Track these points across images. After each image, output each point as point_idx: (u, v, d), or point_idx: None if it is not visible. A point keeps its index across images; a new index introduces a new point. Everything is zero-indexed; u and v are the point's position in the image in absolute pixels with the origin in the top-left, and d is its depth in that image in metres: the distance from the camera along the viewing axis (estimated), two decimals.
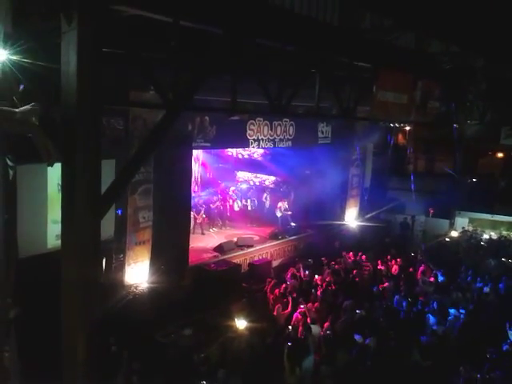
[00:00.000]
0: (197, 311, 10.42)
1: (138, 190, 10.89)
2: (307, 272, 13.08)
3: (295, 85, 9.33)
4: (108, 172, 6.90)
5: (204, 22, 6.77)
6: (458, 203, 20.29)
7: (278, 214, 17.12)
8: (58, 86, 5.06)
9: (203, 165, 18.88)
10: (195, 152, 15.79)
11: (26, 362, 6.81)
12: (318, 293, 11.37)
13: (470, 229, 19.74)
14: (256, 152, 18.21)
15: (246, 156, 19.24)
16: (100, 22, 5.03)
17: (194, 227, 15.52)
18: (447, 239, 18.36)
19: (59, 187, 6.50)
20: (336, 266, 13.67)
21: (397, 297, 11.13)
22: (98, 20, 5.00)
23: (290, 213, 17.15)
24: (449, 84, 14.30)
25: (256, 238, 15.57)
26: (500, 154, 22.46)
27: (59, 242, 5.58)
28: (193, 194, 15.05)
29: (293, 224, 16.84)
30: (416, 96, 12.63)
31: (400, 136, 18.20)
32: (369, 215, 18.45)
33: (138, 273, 11.13)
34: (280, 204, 17.24)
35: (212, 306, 10.65)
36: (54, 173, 5.04)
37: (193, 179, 15.20)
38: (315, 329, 9.45)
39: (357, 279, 12.70)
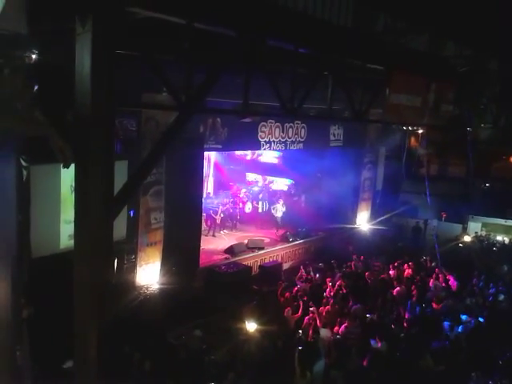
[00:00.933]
0: (207, 313, 10.42)
1: (150, 191, 10.94)
2: (318, 275, 13.03)
3: (307, 87, 9.30)
4: (121, 173, 6.93)
5: (217, 24, 6.78)
6: (471, 207, 20.08)
7: (278, 214, 17.12)
8: (72, 88, 5.10)
9: (216, 166, 18.94)
10: (207, 154, 15.85)
11: (38, 361, 6.86)
12: (328, 296, 11.31)
13: (483, 233, 19.52)
14: (267, 154, 18.21)
15: (257, 158, 19.29)
16: (114, 24, 5.05)
17: (209, 228, 15.64)
18: (460, 244, 18.18)
19: (72, 188, 6.54)
20: (347, 270, 13.60)
21: (409, 302, 11.01)
22: (112, 22, 5.02)
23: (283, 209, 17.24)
24: (462, 87, 14.16)
25: (267, 240, 15.57)
26: None
27: (72, 242, 5.61)
28: (204, 196, 15.12)
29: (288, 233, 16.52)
30: (429, 99, 12.50)
31: (413, 139, 18.09)
32: (380, 219, 18.33)
33: (149, 274, 11.17)
34: (276, 205, 17.21)
35: (222, 308, 10.64)
36: (67, 173, 5.08)
37: (205, 181, 15.25)
38: (325, 332, 9.40)
39: (368, 283, 12.61)
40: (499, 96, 16.60)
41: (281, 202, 17.25)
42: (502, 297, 11.73)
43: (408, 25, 10.52)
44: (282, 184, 19.87)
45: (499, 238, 19.14)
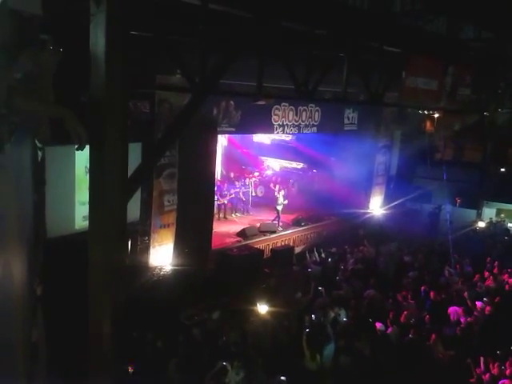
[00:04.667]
0: (219, 295, 10.52)
1: (163, 174, 10.99)
2: (330, 260, 13.06)
3: (322, 70, 9.20)
4: (134, 155, 6.95)
5: (232, 4, 6.71)
6: (486, 193, 19.85)
7: (279, 207, 15.57)
8: (87, 69, 5.10)
9: (228, 149, 18.82)
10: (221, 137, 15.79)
11: (53, 342, 6.99)
12: (342, 280, 11.36)
13: (498, 219, 19.32)
14: (281, 137, 18.10)
15: (270, 142, 19.20)
16: (129, 5, 5.02)
17: (219, 210, 15.57)
18: (474, 229, 18.03)
19: (86, 169, 6.59)
20: (359, 254, 13.59)
21: (423, 287, 10.97)
22: (126, 2, 4.99)
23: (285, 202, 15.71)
24: (480, 71, 13.91)
25: (281, 226, 15.54)
26: None
27: (86, 222, 5.67)
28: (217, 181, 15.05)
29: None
30: (446, 82, 12.34)
31: (428, 123, 17.84)
32: (394, 204, 18.21)
33: (163, 255, 11.29)
34: (279, 195, 15.78)
35: (234, 291, 10.73)
36: (82, 155, 5.11)
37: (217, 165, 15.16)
38: (342, 313, 9.42)
39: (381, 268, 12.60)
40: None
41: (281, 193, 15.85)
42: None
43: (426, 7, 10.32)
44: (295, 167, 19.77)
45: None
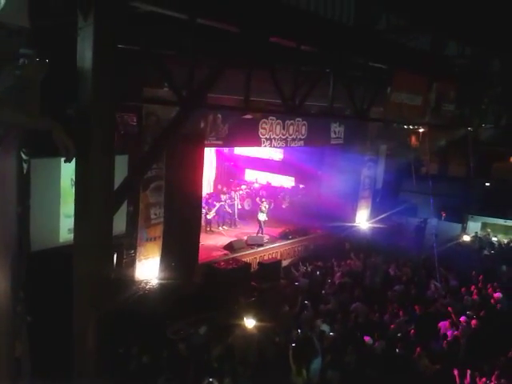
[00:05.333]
0: (206, 309, 10.44)
1: (150, 187, 10.94)
2: (318, 273, 13.06)
3: (309, 84, 9.30)
4: (121, 168, 6.93)
5: (219, 19, 6.78)
6: (471, 207, 20.08)
7: (262, 218, 15.60)
8: (74, 82, 5.10)
9: (221, 157, 18.75)
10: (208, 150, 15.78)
11: (36, 356, 6.87)
12: (328, 293, 11.35)
13: (483, 233, 19.52)
14: (268, 151, 18.17)
15: (257, 155, 19.27)
16: (116, 18, 5.05)
17: (206, 224, 15.49)
18: (459, 243, 18.18)
19: (72, 182, 6.55)
20: (346, 268, 13.62)
21: (408, 300, 11.02)
22: (114, 15, 5.03)
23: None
24: (464, 87, 14.16)
25: (266, 237, 15.54)
26: None
27: (71, 235, 5.63)
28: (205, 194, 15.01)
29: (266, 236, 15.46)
30: (430, 98, 12.53)
31: (413, 138, 18.09)
32: (380, 217, 18.33)
33: (149, 269, 11.19)
34: (262, 205, 15.74)
35: (221, 305, 10.66)
36: (68, 167, 5.09)
37: (205, 178, 15.14)
38: (326, 328, 9.41)
39: (367, 282, 12.63)
40: (500, 96, 16.60)
41: (265, 204, 15.80)
42: (500, 297, 11.73)
43: (410, 24, 10.51)
44: (283, 181, 19.85)
45: (498, 238, 19.15)
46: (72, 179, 6.65)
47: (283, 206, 18.13)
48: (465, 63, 13.56)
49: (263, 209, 15.66)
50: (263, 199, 16.29)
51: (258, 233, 15.64)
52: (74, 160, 5.13)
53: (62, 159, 4.35)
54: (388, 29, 9.95)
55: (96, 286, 5.27)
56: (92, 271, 5.23)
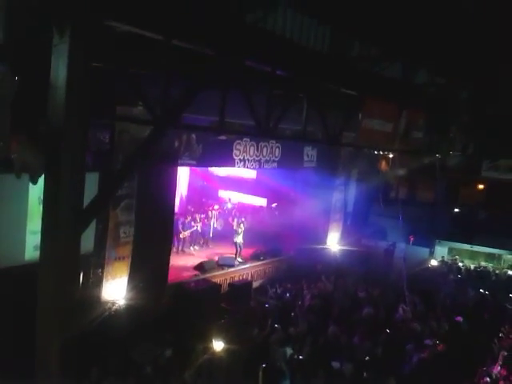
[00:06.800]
0: (173, 331, 10.27)
1: (121, 205, 10.79)
2: (288, 295, 13.04)
3: (283, 108, 9.44)
4: (91, 185, 6.85)
5: (195, 42, 6.86)
6: (438, 232, 20.51)
7: (238, 240, 15.32)
8: (45, 99, 5.05)
9: (195, 177, 18.70)
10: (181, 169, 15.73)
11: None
12: (298, 316, 11.33)
13: (450, 258, 19.92)
14: (241, 172, 18.24)
15: (230, 175, 19.32)
16: (92, 37, 5.06)
17: (177, 243, 15.31)
18: (426, 267, 18.49)
19: (40, 199, 6.42)
20: (316, 290, 13.65)
21: (377, 323, 11.09)
22: (90, 34, 5.03)
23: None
24: (433, 115, 14.59)
25: (240, 261, 15.43)
26: (481, 186, 22.87)
27: (37, 253, 5.50)
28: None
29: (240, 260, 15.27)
30: (400, 125, 12.85)
31: (383, 163, 18.48)
32: (350, 240, 18.53)
33: (116, 289, 10.96)
34: (238, 228, 15.50)
35: (190, 326, 10.51)
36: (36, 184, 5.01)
37: (177, 197, 15.06)
38: (288, 351, 9.36)
39: (336, 304, 12.66)
40: (468, 125, 17.16)
41: (241, 226, 15.53)
42: (462, 321, 11.91)
43: (382, 52, 10.83)
44: (254, 201, 19.90)
45: (465, 263, 19.57)
46: (40, 197, 6.54)
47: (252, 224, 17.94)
48: (434, 92, 14.00)
49: (239, 231, 15.49)
50: (240, 220, 16.13)
51: (236, 256, 15.42)
52: (42, 177, 5.06)
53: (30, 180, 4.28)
54: (360, 57, 10.23)
55: (61, 306, 5.14)
56: (57, 291, 5.11)
